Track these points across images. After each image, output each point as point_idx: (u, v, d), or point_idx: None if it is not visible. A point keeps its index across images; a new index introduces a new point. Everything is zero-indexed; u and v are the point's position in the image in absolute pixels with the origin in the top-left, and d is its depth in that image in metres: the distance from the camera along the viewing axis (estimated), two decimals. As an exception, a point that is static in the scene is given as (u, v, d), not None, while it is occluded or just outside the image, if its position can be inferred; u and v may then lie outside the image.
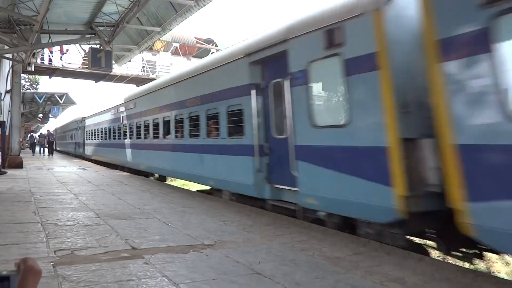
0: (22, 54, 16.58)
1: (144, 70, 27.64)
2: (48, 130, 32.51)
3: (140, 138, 14.03)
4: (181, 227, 5.54)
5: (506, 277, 4.35)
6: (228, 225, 5.80)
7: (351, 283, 3.44)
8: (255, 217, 6.41)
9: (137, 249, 4.37)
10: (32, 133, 40.18)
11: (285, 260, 4.07)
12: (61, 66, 24.59)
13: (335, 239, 4.99)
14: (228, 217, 6.38)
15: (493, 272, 4.48)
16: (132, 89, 18.97)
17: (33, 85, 44.14)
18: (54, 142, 34.26)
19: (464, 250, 4.64)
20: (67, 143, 36.58)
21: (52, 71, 24.69)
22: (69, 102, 34.71)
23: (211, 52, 27.78)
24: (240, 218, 6.31)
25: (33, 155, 29.66)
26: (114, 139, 17.69)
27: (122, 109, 16.29)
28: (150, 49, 26.35)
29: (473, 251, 4.60)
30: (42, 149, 31.32)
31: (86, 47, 14.90)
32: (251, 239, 4.98)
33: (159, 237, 4.93)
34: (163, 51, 29.44)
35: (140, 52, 17.19)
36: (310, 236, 5.17)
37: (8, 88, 17.49)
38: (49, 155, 28.68)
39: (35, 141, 33.42)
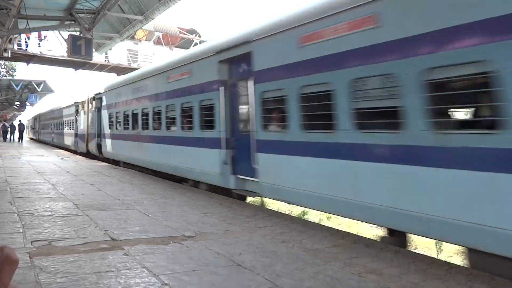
0: (-2, 40, 16.02)
1: (128, 59, 27.12)
2: (20, 121, 38.12)
3: None
4: (161, 219, 5.51)
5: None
6: (209, 216, 5.80)
7: (330, 274, 3.50)
8: (236, 209, 6.43)
9: (116, 240, 4.33)
10: (5, 123, 40.00)
11: (265, 252, 4.11)
12: (39, 53, 23.87)
13: (315, 231, 5.06)
14: (209, 209, 6.37)
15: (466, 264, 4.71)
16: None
17: (10, 72, 42.80)
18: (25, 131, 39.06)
19: None
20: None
21: (29, 58, 23.91)
22: (47, 90, 34.20)
23: (194, 43, 27.44)
24: (222, 210, 6.32)
25: (4, 141, 33.57)
26: None
27: None
28: (132, 38, 25.83)
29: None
30: (12, 136, 36.39)
31: (66, 34, 14.50)
32: (232, 231, 4.99)
33: (139, 228, 4.89)
34: (145, 40, 28.95)
35: (121, 41, 16.78)
36: (291, 228, 5.23)
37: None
38: (19, 141, 33.57)
39: (7, 129, 36.80)
